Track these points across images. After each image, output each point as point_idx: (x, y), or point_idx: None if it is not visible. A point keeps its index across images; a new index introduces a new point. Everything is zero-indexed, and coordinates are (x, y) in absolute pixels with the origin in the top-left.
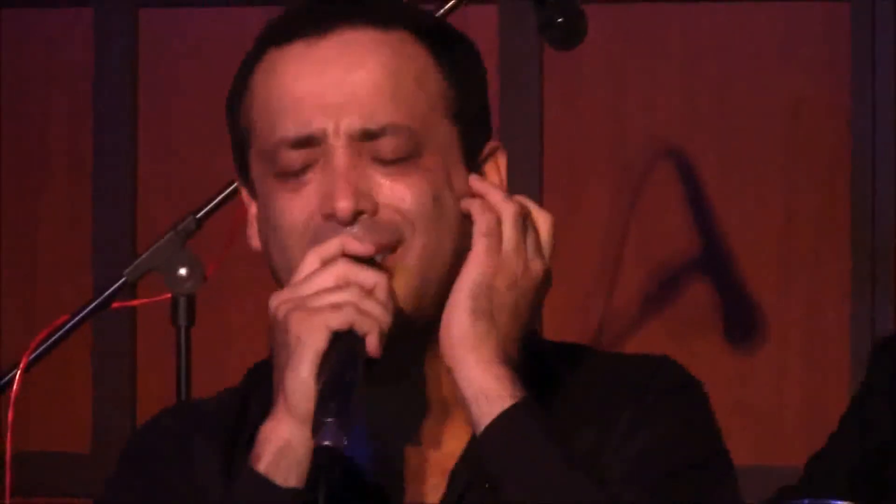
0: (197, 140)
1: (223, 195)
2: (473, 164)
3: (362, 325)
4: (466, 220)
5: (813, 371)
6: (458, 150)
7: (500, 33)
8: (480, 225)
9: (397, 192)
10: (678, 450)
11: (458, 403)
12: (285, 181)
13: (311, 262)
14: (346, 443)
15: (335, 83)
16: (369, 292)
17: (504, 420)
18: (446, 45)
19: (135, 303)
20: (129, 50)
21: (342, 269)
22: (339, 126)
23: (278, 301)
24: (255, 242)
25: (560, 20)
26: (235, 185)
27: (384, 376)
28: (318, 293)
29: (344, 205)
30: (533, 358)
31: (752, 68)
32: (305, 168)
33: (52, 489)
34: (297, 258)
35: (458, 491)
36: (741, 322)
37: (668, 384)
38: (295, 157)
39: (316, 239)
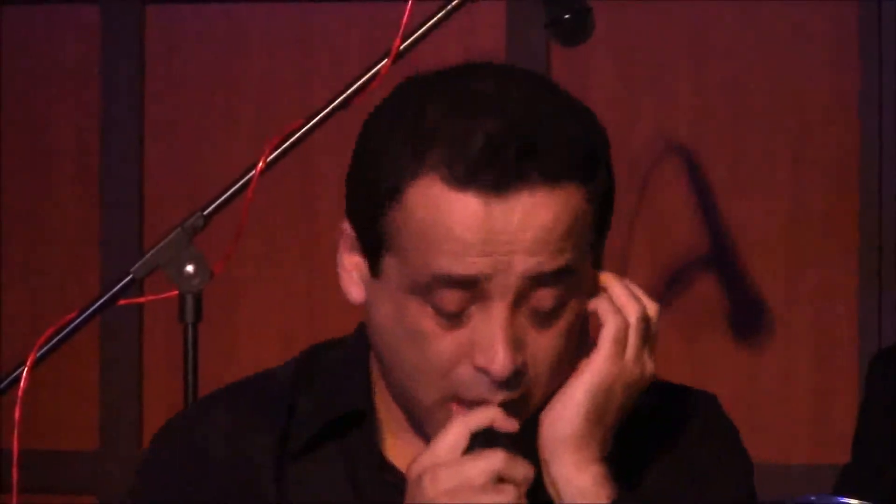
0: (204, 137)
1: (230, 192)
2: (597, 260)
3: None
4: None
5: (821, 369)
6: (589, 269)
7: (507, 30)
8: (609, 330)
9: (542, 347)
10: None
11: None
12: (437, 315)
13: (459, 432)
14: None
15: (508, 236)
16: (519, 487)
17: None
18: (598, 170)
19: (141, 300)
20: (136, 46)
21: (500, 463)
22: (507, 273)
23: (437, 486)
24: (356, 295)
25: (567, 16)
26: (243, 181)
27: None
28: (476, 490)
29: (502, 369)
30: None
31: (761, 65)
32: (463, 309)
33: (59, 486)
34: (426, 389)
35: None
36: (749, 319)
37: (719, 435)
38: (452, 298)
39: (458, 391)
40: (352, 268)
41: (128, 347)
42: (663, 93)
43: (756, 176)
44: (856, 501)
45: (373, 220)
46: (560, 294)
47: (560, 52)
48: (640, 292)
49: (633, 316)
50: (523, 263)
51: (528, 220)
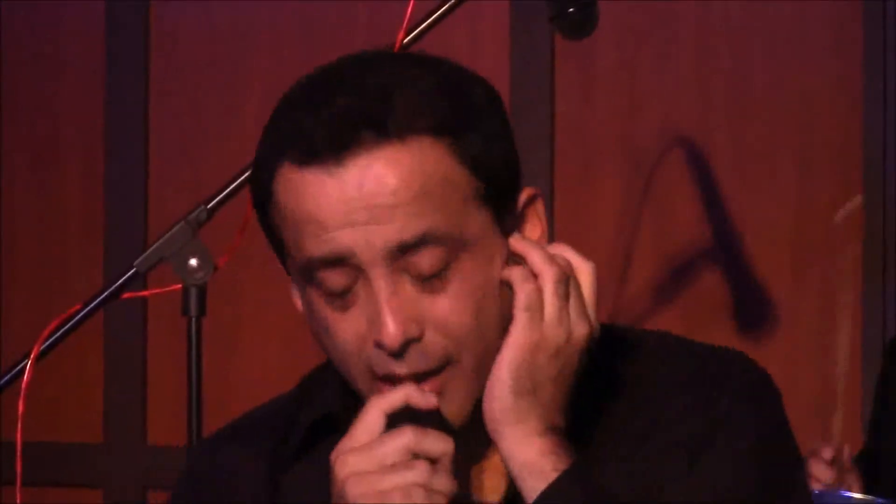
0: (208, 131)
1: (234, 185)
2: (511, 222)
3: (431, 499)
4: (509, 287)
5: (825, 361)
6: (493, 229)
7: (511, 23)
8: (520, 299)
9: (440, 312)
10: (751, 485)
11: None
12: (328, 299)
13: (374, 415)
14: None
15: (360, 205)
16: (436, 464)
17: (548, 496)
18: (468, 124)
19: (145, 293)
20: (141, 41)
21: (409, 439)
22: (371, 246)
23: (345, 470)
24: (299, 306)
25: (572, 10)
26: (247, 174)
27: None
28: (385, 470)
29: (391, 339)
30: (601, 351)
31: (765, 60)
32: (348, 287)
33: (63, 479)
34: (355, 375)
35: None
36: (753, 312)
37: (760, 385)
38: (335, 279)
39: (371, 368)
40: (296, 302)
41: (132, 341)
42: (668, 87)
43: (760, 170)
44: (858, 494)
45: (268, 229)
46: (438, 255)
47: (564, 45)
48: (566, 252)
49: (547, 278)
50: (382, 234)
51: (374, 183)
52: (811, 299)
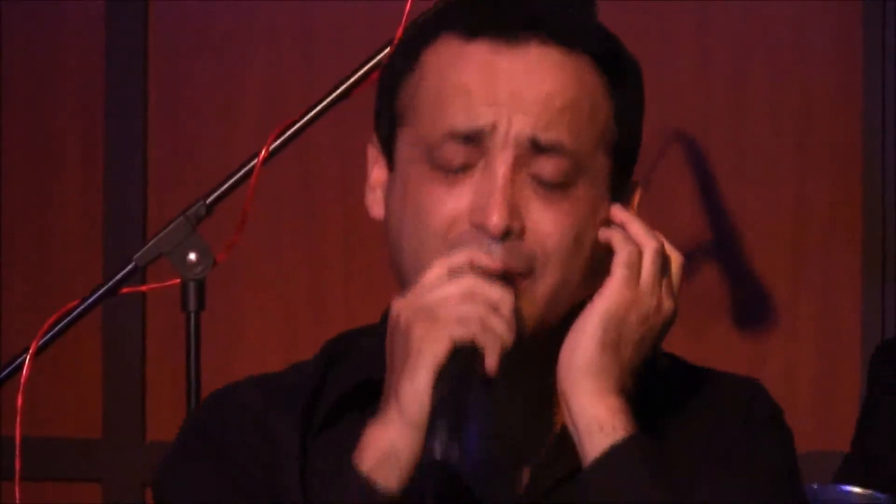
0: (208, 126)
1: (233, 180)
2: (617, 195)
3: (485, 341)
4: (601, 247)
5: (824, 360)
6: (607, 183)
7: None
8: (621, 255)
9: (546, 221)
10: (779, 482)
11: (550, 411)
12: (440, 173)
13: (437, 270)
14: (457, 459)
15: (515, 90)
16: (494, 310)
17: (614, 454)
18: (620, 77)
19: (144, 288)
20: (141, 41)
21: (471, 281)
22: (510, 127)
23: (401, 306)
24: (377, 211)
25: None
26: (245, 170)
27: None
28: (444, 303)
29: (497, 221)
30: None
31: (765, 62)
32: (465, 167)
33: (61, 474)
34: (431, 257)
35: (541, 488)
36: (752, 311)
37: (770, 412)
38: (457, 152)
39: (456, 241)
40: (376, 185)
41: (130, 336)
42: (667, 85)
43: (760, 170)
44: (857, 489)
45: (391, 98)
46: (563, 168)
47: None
48: (666, 242)
49: (648, 246)
50: (526, 123)
51: (535, 74)
52: (810, 298)
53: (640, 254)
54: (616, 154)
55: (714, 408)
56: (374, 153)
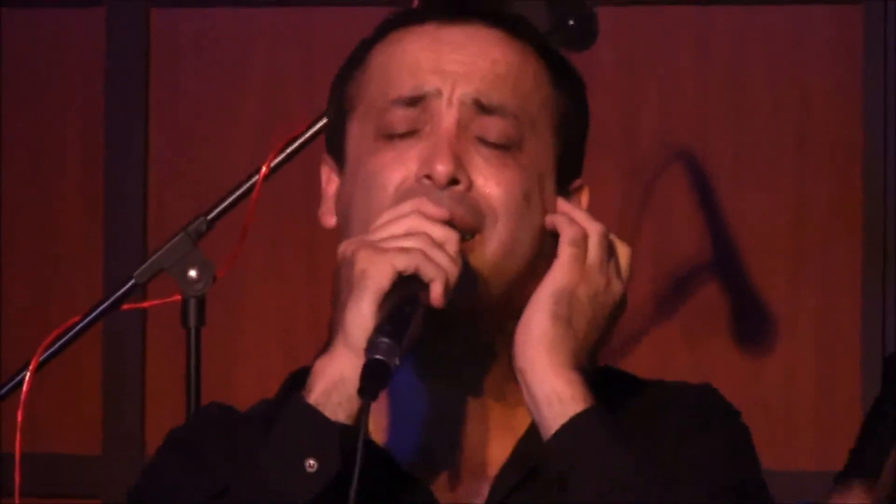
0: (209, 141)
1: (234, 196)
2: (562, 189)
3: (428, 272)
4: (548, 234)
5: (824, 368)
6: (552, 165)
7: None
8: (567, 235)
9: (492, 180)
10: (726, 469)
11: (509, 408)
12: (388, 141)
13: (385, 218)
14: (397, 363)
15: (459, 58)
16: (438, 245)
17: (577, 423)
18: (564, 77)
19: (145, 304)
20: (142, 49)
21: (415, 220)
22: (454, 90)
23: (348, 243)
24: (329, 220)
25: (572, 22)
26: (247, 186)
27: (440, 365)
28: (388, 239)
29: (442, 168)
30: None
31: (765, 69)
32: (411, 132)
33: (61, 490)
34: (379, 216)
35: (503, 492)
36: (752, 320)
37: (718, 409)
38: (403, 116)
39: (405, 198)
40: (327, 196)
41: (131, 352)
42: (667, 93)
43: (760, 178)
44: None
45: (339, 99)
46: (507, 129)
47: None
48: (612, 234)
49: (593, 229)
50: (468, 85)
51: (475, 48)
52: (810, 307)
53: (585, 235)
54: (560, 138)
55: (666, 405)
56: (326, 171)
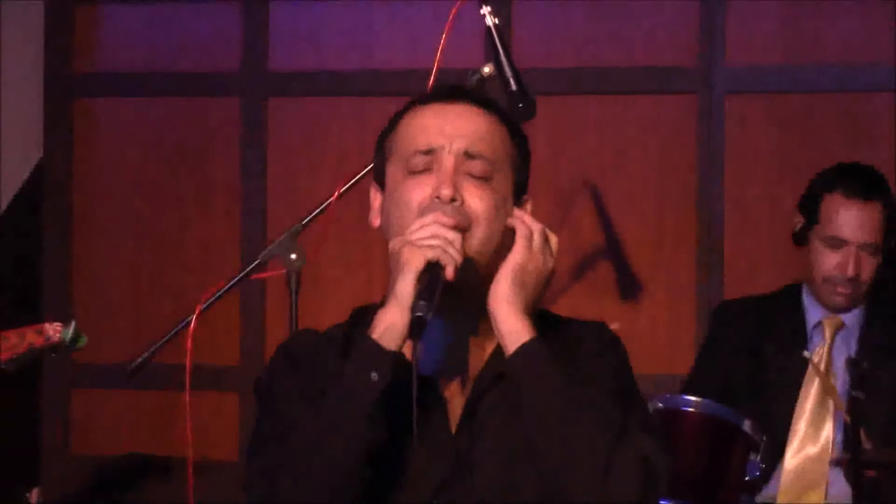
0: (303, 177)
1: (317, 211)
2: (517, 202)
3: (445, 259)
4: (509, 231)
5: (673, 316)
6: (511, 189)
7: None
8: (520, 231)
9: (475, 196)
10: (617, 378)
11: (485, 339)
12: (413, 176)
13: (416, 225)
14: (430, 317)
15: (454, 125)
16: (451, 243)
17: (527, 347)
18: (517, 136)
19: (264, 275)
20: (263, 132)
21: (435, 227)
22: (451, 144)
23: (396, 241)
24: (375, 222)
25: (521, 105)
26: (325, 204)
27: (447, 312)
28: (420, 239)
29: (446, 192)
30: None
31: (635, 139)
32: (426, 170)
33: (210, 387)
34: (411, 223)
35: (481, 387)
36: (630, 288)
37: (609, 339)
38: (421, 161)
39: (425, 211)
40: (374, 207)
41: (256, 304)
42: (579, 151)
43: (634, 203)
44: (694, 398)
45: (382, 150)
46: (485, 168)
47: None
48: (548, 230)
49: (535, 227)
50: (460, 141)
51: (465, 119)
52: (664, 280)
53: (531, 231)
54: (515, 173)
55: (579, 337)
56: (373, 192)
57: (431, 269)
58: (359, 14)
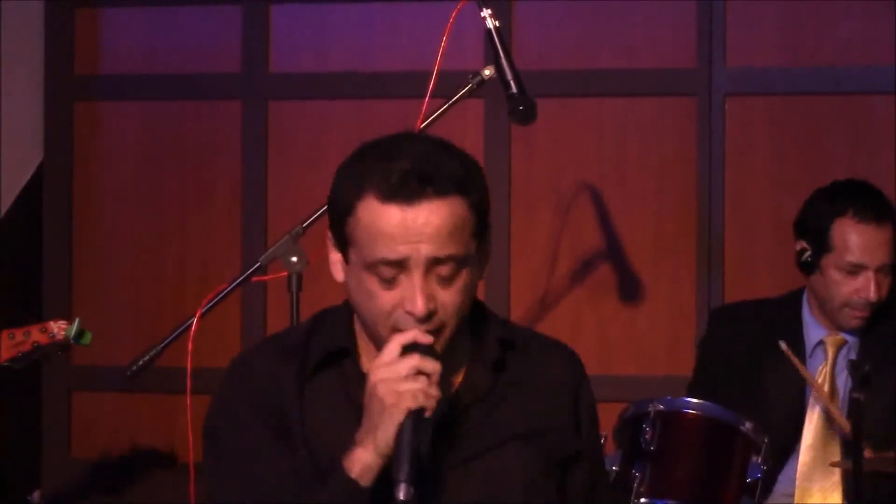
0: (301, 185)
1: (318, 213)
2: (483, 247)
3: (427, 404)
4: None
5: (672, 318)
6: (476, 251)
7: (485, 117)
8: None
9: (446, 299)
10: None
11: (456, 363)
12: (380, 281)
13: (394, 346)
14: (412, 495)
15: (420, 231)
16: (430, 381)
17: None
18: (475, 191)
19: (265, 278)
20: (263, 133)
21: (416, 361)
22: (419, 254)
23: (376, 379)
24: (340, 277)
25: (521, 107)
26: (323, 209)
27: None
28: (401, 380)
29: (421, 310)
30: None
31: (636, 141)
32: (395, 277)
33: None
34: (381, 330)
35: (458, 408)
36: (631, 290)
37: (585, 372)
38: (388, 271)
39: (397, 325)
40: (336, 260)
41: (257, 306)
42: (579, 155)
43: (634, 207)
44: (696, 400)
45: (340, 229)
46: (453, 268)
47: (517, 129)
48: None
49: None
50: (426, 250)
51: (429, 220)
52: (665, 284)
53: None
54: (478, 236)
55: (543, 364)
56: (330, 246)
57: (411, 417)
58: (360, 16)
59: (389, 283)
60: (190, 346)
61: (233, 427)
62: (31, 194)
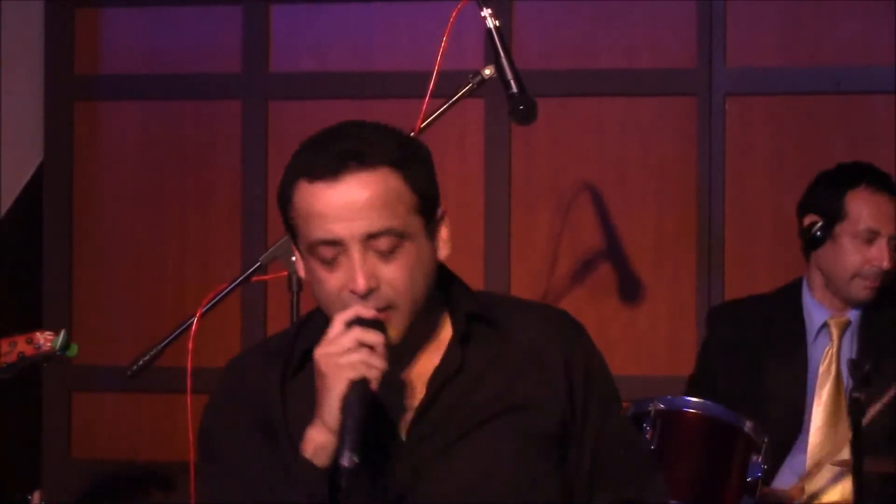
0: None
1: None
2: (432, 227)
3: (369, 374)
4: (435, 258)
5: (673, 317)
6: (423, 231)
7: (485, 116)
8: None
9: (390, 274)
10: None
11: (431, 343)
12: (323, 264)
13: (338, 325)
14: (357, 461)
15: (350, 208)
16: (372, 352)
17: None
18: (410, 164)
19: (265, 278)
20: (263, 133)
21: (357, 333)
22: (352, 231)
23: (318, 355)
24: (303, 274)
25: (521, 107)
26: None
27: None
28: (342, 353)
29: (361, 286)
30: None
31: (636, 141)
32: (335, 257)
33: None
34: (333, 311)
35: (433, 391)
36: (631, 289)
37: (582, 331)
38: (326, 251)
39: (344, 305)
40: (298, 258)
41: (258, 305)
42: (579, 155)
43: (634, 205)
44: (695, 399)
45: (286, 222)
46: (392, 241)
47: (518, 129)
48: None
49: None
50: (359, 227)
51: (356, 195)
52: (666, 283)
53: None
54: (422, 212)
55: (540, 348)
56: (292, 245)
57: (355, 388)
58: (360, 16)
59: (331, 264)
60: (190, 345)
61: (224, 431)
62: (31, 194)
